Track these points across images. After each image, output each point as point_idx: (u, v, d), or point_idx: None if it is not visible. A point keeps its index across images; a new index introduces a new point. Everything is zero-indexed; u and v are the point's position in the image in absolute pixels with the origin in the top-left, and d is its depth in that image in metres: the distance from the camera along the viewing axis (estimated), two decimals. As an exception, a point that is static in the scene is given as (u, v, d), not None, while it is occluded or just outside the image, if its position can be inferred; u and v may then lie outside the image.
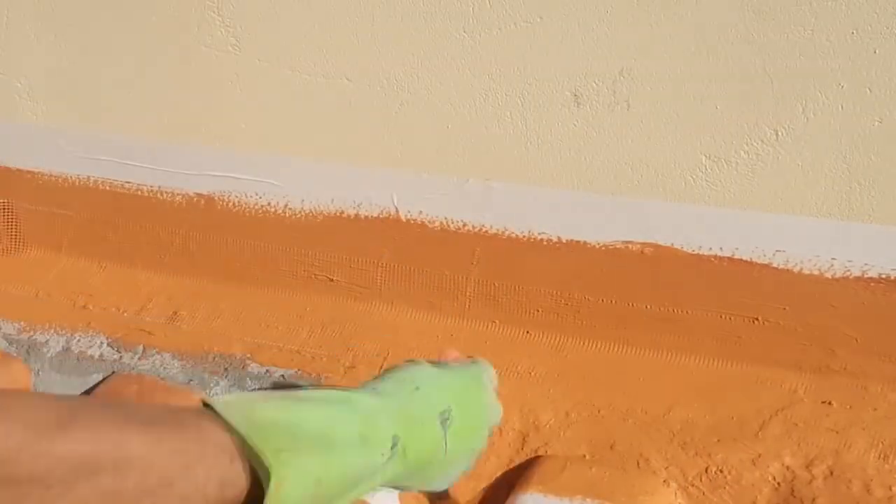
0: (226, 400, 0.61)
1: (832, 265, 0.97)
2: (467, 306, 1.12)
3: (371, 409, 0.68)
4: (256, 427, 0.59)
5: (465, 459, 0.76)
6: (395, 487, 0.74)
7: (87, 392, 1.05)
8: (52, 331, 1.15)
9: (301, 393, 0.67)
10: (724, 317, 1.02)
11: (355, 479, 0.65)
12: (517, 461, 0.94)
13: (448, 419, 0.73)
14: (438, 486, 0.75)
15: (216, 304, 1.18)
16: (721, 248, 1.01)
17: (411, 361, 0.78)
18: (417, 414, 0.71)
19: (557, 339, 1.08)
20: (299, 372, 1.05)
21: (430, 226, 1.12)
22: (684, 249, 1.02)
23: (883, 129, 0.92)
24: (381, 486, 0.69)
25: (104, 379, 1.06)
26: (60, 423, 0.53)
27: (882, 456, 0.89)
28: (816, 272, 0.98)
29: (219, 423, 0.59)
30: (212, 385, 1.04)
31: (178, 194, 1.22)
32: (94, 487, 0.53)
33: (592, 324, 1.07)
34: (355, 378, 1.04)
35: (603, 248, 1.05)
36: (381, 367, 1.06)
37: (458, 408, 0.74)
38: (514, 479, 0.92)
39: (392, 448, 0.67)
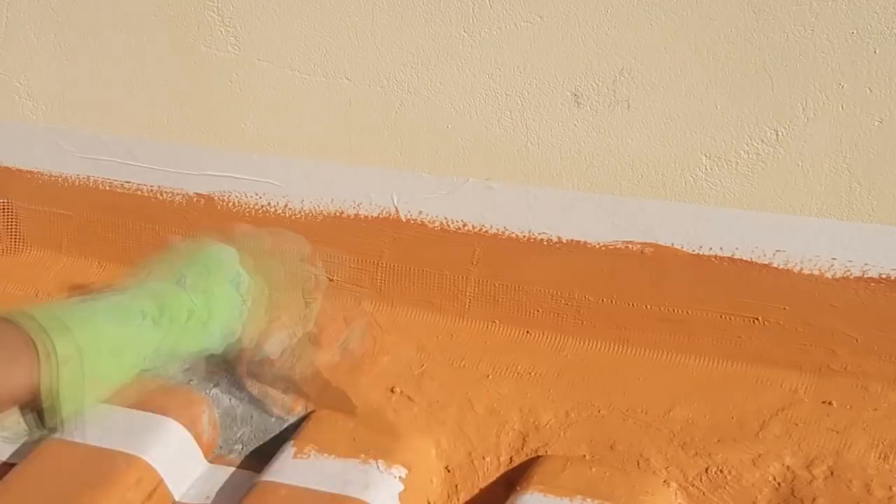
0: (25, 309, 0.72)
1: (832, 265, 0.97)
2: (467, 306, 1.12)
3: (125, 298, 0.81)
4: (47, 318, 0.71)
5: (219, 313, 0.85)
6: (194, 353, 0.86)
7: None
8: (52, 331, 1.15)
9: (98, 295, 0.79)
10: (724, 317, 1.02)
11: (121, 344, 0.77)
12: (517, 461, 0.94)
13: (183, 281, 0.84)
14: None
15: (216, 304, 1.18)
16: (721, 248, 1.01)
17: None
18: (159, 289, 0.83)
19: (557, 339, 1.08)
20: (299, 372, 1.05)
21: (430, 226, 1.12)
22: (684, 249, 1.02)
23: (883, 129, 0.92)
24: (158, 354, 0.80)
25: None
26: None
27: (882, 456, 0.89)
28: (816, 272, 0.98)
29: (19, 327, 0.70)
30: (212, 385, 1.04)
31: (178, 194, 1.22)
32: None
33: (592, 324, 1.07)
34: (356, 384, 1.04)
35: (603, 248, 1.05)
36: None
37: (192, 274, 0.86)
38: (514, 479, 0.92)
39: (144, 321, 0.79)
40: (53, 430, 0.72)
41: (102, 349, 0.75)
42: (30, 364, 0.69)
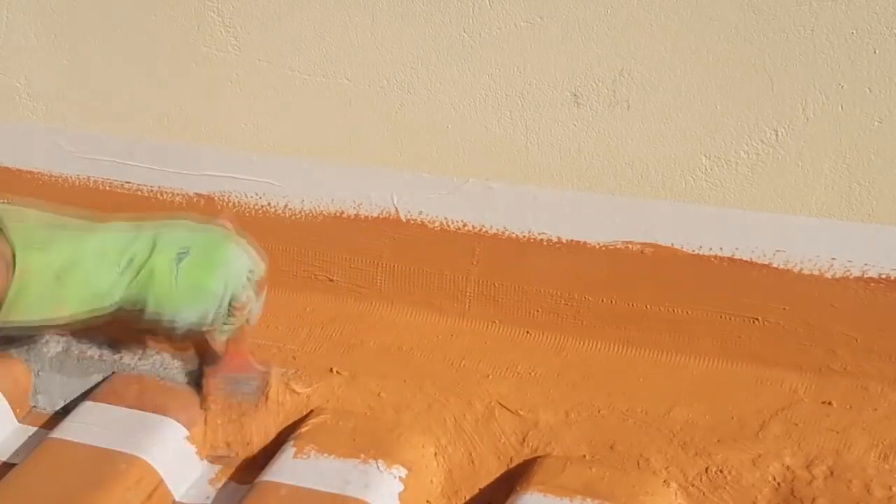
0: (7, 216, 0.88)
1: (832, 265, 0.97)
2: (467, 306, 1.12)
3: (121, 235, 0.92)
4: (21, 236, 0.88)
5: (194, 297, 0.92)
6: (133, 306, 0.92)
7: (88, 392, 1.05)
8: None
9: (70, 220, 0.94)
10: (724, 317, 1.02)
11: (92, 284, 0.90)
12: (517, 461, 0.94)
13: (185, 256, 0.91)
14: (172, 318, 0.92)
15: (216, 304, 1.18)
16: (721, 248, 1.01)
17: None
18: (161, 244, 0.91)
19: (557, 339, 1.08)
20: (298, 372, 1.05)
21: (430, 226, 1.12)
22: (684, 249, 1.02)
23: (883, 129, 0.92)
24: (119, 297, 0.91)
25: (104, 379, 1.06)
26: None
27: (882, 456, 0.89)
28: (816, 272, 0.98)
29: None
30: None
31: (178, 194, 1.22)
32: None
33: (592, 324, 1.07)
34: (356, 384, 1.04)
35: (603, 248, 1.05)
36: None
37: (197, 252, 0.92)
38: (514, 479, 0.92)
39: (126, 267, 0.90)
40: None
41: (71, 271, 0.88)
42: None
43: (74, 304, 0.91)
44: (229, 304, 0.93)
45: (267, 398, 1.00)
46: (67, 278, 0.89)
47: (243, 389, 0.99)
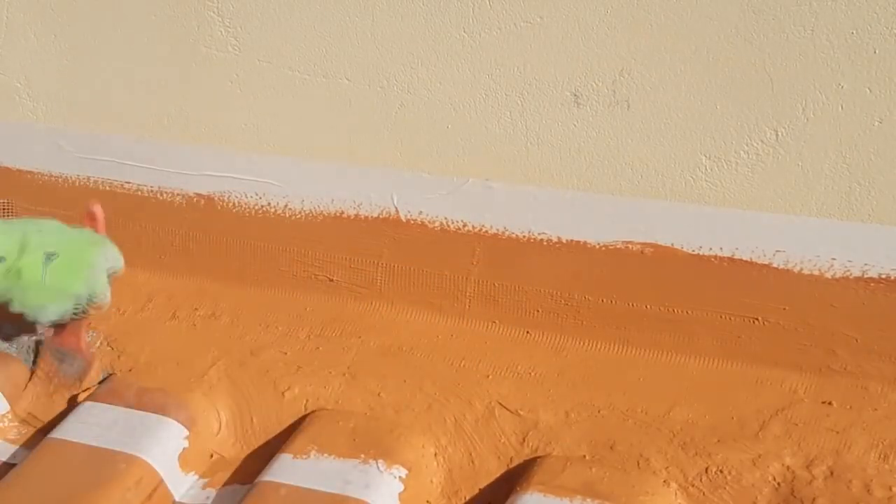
0: None
1: (832, 265, 0.97)
2: (467, 306, 1.12)
3: None
4: None
5: (60, 297, 0.97)
6: (4, 301, 0.97)
7: (87, 392, 1.05)
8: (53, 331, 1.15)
9: None
10: (724, 317, 1.02)
11: None
12: (517, 461, 0.94)
13: (53, 258, 0.96)
14: (36, 313, 0.97)
15: (216, 304, 1.18)
16: (721, 248, 1.01)
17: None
18: (31, 246, 0.96)
19: (557, 339, 1.08)
20: (300, 370, 1.05)
21: (430, 226, 1.12)
22: (684, 249, 1.02)
23: (883, 129, 0.92)
24: None
25: (104, 379, 1.06)
26: None
27: (882, 456, 0.89)
28: (816, 272, 0.98)
29: None
30: (212, 385, 1.04)
31: (178, 194, 1.22)
32: None
33: (592, 324, 1.07)
34: (356, 384, 1.05)
35: (603, 248, 1.05)
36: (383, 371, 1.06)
37: (64, 256, 0.97)
38: (514, 479, 0.92)
39: None
40: None
41: None
42: None
43: None
44: (88, 301, 1.00)
45: (81, 383, 1.06)
46: None
47: (66, 369, 1.06)
